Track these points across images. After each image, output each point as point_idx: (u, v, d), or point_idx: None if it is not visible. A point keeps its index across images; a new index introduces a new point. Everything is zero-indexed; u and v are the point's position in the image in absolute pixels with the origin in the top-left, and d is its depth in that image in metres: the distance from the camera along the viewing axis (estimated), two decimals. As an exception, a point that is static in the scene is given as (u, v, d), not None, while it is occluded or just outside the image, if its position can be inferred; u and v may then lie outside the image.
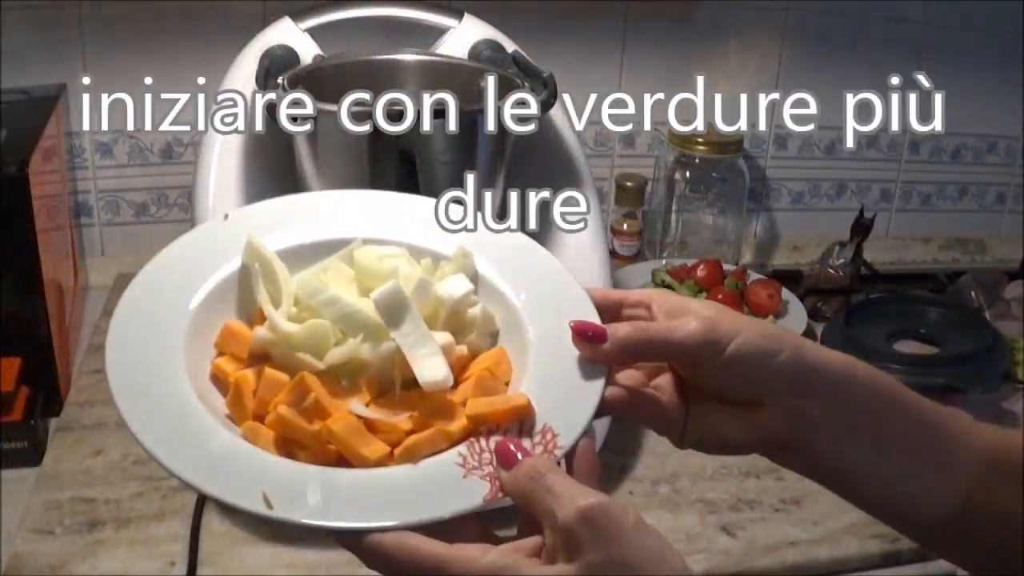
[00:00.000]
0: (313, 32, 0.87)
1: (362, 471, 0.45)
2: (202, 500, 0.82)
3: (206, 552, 0.78)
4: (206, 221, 0.56)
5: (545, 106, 0.79)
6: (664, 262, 1.23)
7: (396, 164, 0.74)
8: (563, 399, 0.47)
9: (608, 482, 0.88)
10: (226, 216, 0.55)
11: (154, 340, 0.48)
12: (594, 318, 0.50)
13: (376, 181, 0.77)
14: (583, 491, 0.42)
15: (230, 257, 0.52)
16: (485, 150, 0.79)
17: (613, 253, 1.26)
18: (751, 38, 1.31)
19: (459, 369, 0.50)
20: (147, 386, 0.45)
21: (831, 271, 1.22)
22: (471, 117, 0.76)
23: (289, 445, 0.46)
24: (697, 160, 1.26)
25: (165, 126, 1.19)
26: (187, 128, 1.20)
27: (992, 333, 1.07)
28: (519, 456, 0.44)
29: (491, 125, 0.77)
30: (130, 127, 1.20)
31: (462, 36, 0.90)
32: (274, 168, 0.83)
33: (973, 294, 1.22)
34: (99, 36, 1.14)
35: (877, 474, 0.50)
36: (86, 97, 1.16)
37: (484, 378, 0.49)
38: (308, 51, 0.85)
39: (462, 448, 0.46)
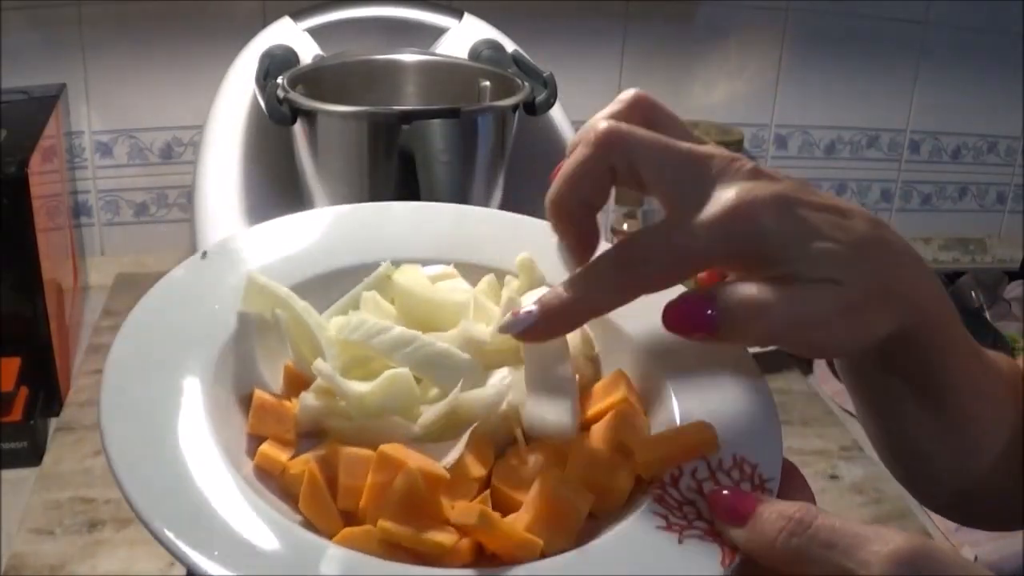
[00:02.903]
0: (313, 32, 0.87)
1: (536, 566, 0.34)
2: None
3: (206, 552, 0.77)
4: (182, 263, 0.43)
5: (545, 106, 0.79)
6: (664, 262, 1.23)
7: (396, 164, 0.74)
8: (731, 416, 0.38)
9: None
10: (204, 254, 0.43)
11: (178, 452, 0.35)
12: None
13: (376, 181, 0.77)
14: (875, 535, 0.32)
15: (222, 305, 0.41)
16: (485, 150, 0.79)
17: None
18: (751, 38, 1.31)
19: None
20: (213, 525, 0.33)
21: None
22: (471, 117, 0.76)
23: (399, 553, 0.34)
24: (697, 160, 1.26)
25: (165, 126, 1.20)
26: (187, 128, 1.20)
27: (992, 333, 1.07)
28: (748, 506, 0.34)
29: (491, 125, 0.77)
30: (130, 127, 1.20)
31: (462, 36, 0.90)
32: (274, 168, 0.83)
33: (973, 294, 1.22)
34: (99, 36, 1.14)
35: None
36: (86, 97, 1.16)
37: (625, 412, 0.38)
38: (308, 51, 0.85)
39: (652, 506, 0.36)
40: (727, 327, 0.37)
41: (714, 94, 1.33)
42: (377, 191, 0.77)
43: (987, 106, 1.41)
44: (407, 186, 0.71)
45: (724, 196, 0.37)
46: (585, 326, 0.42)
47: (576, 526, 0.36)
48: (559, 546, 0.35)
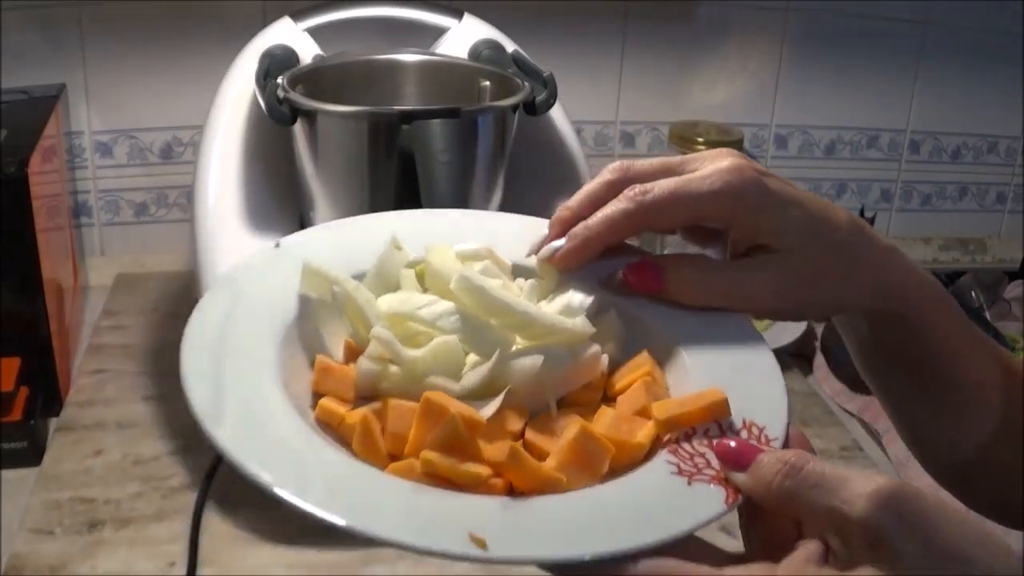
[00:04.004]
0: (313, 32, 0.87)
1: (558, 497, 0.38)
2: (202, 500, 0.82)
3: (206, 552, 0.78)
4: (258, 251, 0.49)
5: (545, 106, 0.79)
6: (664, 262, 1.23)
7: (396, 164, 0.74)
8: (744, 386, 0.43)
9: (608, 482, 0.88)
10: (277, 244, 0.49)
11: (257, 399, 0.40)
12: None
13: (376, 181, 0.77)
14: (860, 476, 0.35)
15: (290, 288, 0.46)
16: (485, 150, 0.79)
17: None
18: (751, 38, 1.31)
19: (606, 385, 0.45)
20: (300, 460, 0.38)
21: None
22: (471, 117, 0.76)
23: (439, 484, 0.39)
24: (697, 160, 1.26)
25: (165, 126, 1.20)
26: (187, 128, 1.20)
27: (992, 333, 1.07)
28: (750, 454, 0.38)
29: (491, 125, 0.77)
30: (130, 127, 1.20)
31: (462, 36, 0.90)
32: (274, 168, 0.83)
33: (973, 294, 1.22)
34: (99, 36, 1.14)
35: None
36: (86, 97, 1.16)
37: (649, 383, 0.43)
38: (308, 51, 0.85)
39: (667, 457, 0.40)
40: (673, 291, 0.47)
41: (714, 94, 1.33)
42: (377, 191, 0.77)
43: (987, 106, 1.41)
44: (407, 186, 0.71)
45: (722, 163, 0.46)
46: (615, 317, 0.47)
47: (598, 473, 0.40)
48: (581, 488, 0.39)
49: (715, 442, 0.40)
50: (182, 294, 1.13)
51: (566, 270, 0.48)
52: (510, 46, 0.89)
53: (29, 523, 0.79)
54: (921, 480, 0.90)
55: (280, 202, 0.83)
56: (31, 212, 0.87)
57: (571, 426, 0.40)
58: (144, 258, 1.22)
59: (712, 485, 0.39)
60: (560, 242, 0.47)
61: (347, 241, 0.50)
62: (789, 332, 1.11)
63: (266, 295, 0.46)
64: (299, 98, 0.75)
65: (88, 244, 1.23)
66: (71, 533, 0.78)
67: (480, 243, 0.49)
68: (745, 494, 0.38)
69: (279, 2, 0.91)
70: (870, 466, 0.93)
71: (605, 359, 0.45)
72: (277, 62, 0.81)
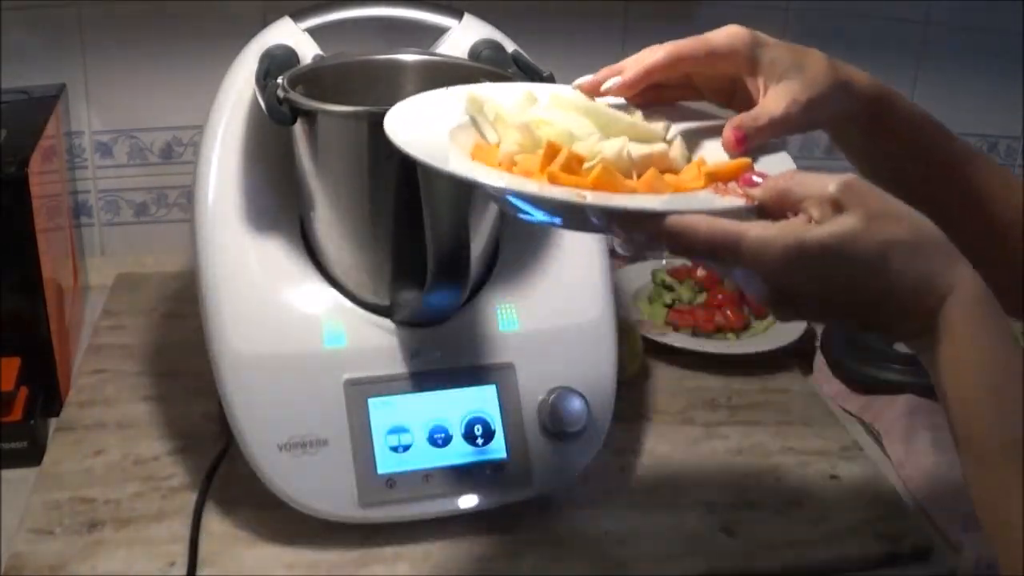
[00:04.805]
0: (313, 32, 0.87)
1: (634, 195, 0.56)
2: (202, 500, 0.82)
3: (206, 552, 0.78)
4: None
5: (545, 106, 0.79)
6: (664, 262, 1.23)
7: (396, 164, 0.74)
8: (764, 164, 0.60)
9: (608, 482, 0.88)
10: (447, 88, 0.68)
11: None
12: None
13: (376, 181, 0.77)
14: (830, 175, 0.52)
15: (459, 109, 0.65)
16: (485, 150, 0.79)
17: (613, 253, 1.26)
18: (751, 38, 1.30)
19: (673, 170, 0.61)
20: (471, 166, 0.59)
21: (831, 271, 1.22)
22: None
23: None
24: (697, 160, 1.26)
25: (165, 126, 1.20)
26: (187, 128, 1.20)
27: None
28: (763, 177, 0.56)
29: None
30: (130, 127, 1.20)
31: (462, 36, 0.90)
32: (274, 168, 0.83)
33: (973, 294, 1.22)
34: (99, 36, 1.14)
35: None
36: (86, 97, 1.16)
37: (700, 162, 0.61)
38: (308, 51, 0.85)
39: (709, 189, 0.57)
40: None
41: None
42: (377, 191, 0.77)
43: (987, 106, 1.41)
44: (407, 186, 0.71)
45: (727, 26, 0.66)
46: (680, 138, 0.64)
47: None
48: None
49: (741, 178, 0.57)
50: (182, 294, 1.13)
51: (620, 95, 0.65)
52: (510, 46, 0.89)
53: (29, 523, 0.79)
54: (918, 475, 0.90)
55: (280, 202, 0.83)
56: (31, 212, 0.87)
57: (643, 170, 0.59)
58: (144, 258, 1.22)
59: (737, 197, 0.55)
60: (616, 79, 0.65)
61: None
62: (789, 332, 1.11)
63: (441, 109, 0.65)
64: (299, 98, 0.75)
65: (88, 244, 1.23)
66: (71, 533, 0.78)
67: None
68: (758, 199, 0.54)
69: (279, 2, 0.91)
70: (870, 466, 0.94)
71: (677, 147, 0.62)
72: (277, 62, 0.81)
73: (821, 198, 0.52)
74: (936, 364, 0.53)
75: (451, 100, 0.67)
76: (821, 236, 0.51)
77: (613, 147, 0.59)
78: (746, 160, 0.60)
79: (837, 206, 0.51)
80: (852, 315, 0.54)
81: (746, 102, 0.63)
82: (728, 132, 0.61)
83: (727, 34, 0.64)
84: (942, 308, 0.52)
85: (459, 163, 0.58)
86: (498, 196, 0.61)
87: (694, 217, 0.52)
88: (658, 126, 0.64)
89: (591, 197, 0.54)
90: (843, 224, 0.51)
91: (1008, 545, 0.51)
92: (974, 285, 0.52)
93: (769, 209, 0.54)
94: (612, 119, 0.63)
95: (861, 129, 0.68)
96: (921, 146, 0.68)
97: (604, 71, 0.66)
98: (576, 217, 0.57)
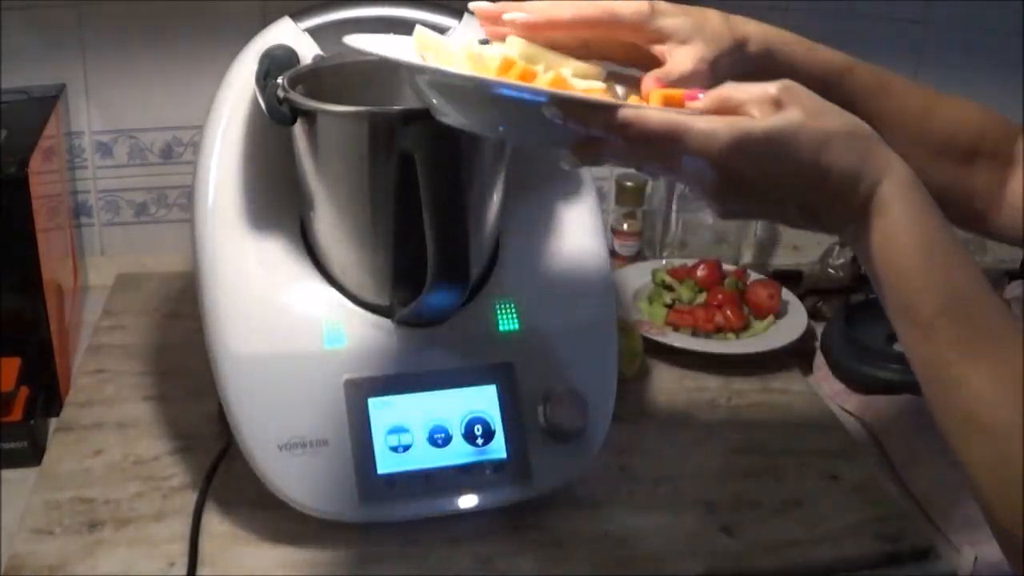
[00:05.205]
0: (313, 32, 0.87)
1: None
2: (202, 500, 0.82)
3: (206, 552, 0.78)
4: None
5: (545, 106, 0.79)
6: (664, 262, 1.23)
7: (396, 164, 0.74)
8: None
9: (608, 482, 0.88)
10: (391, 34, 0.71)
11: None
12: None
13: (376, 181, 0.77)
14: (766, 82, 0.57)
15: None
16: (486, 150, 0.79)
17: (613, 253, 1.26)
18: (751, 38, 1.30)
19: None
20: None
21: (831, 271, 1.22)
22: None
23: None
24: (697, 160, 1.26)
25: (165, 126, 1.20)
26: (187, 128, 1.20)
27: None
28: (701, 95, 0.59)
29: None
30: (130, 127, 1.20)
31: (462, 36, 0.90)
32: (274, 168, 0.83)
33: (973, 294, 1.22)
34: (99, 36, 1.14)
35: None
36: (86, 97, 1.16)
37: (645, 98, 0.64)
38: (308, 51, 0.85)
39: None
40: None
41: (714, 94, 1.33)
42: (377, 191, 0.77)
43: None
44: (407, 186, 0.71)
45: None
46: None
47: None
48: None
49: (684, 95, 0.60)
50: (182, 294, 1.13)
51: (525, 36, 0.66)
52: (510, 46, 0.89)
53: (29, 523, 0.79)
54: (918, 475, 0.90)
55: (280, 202, 0.83)
56: (31, 212, 0.87)
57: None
58: (144, 258, 1.22)
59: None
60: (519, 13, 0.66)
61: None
62: (789, 332, 1.11)
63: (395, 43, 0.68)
64: (299, 98, 0.75)
65: (88, 244, 1.23)
66: (71, 533, 0.78)
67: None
68: (701, 109, 0.57)
69: (279, 2, 0.91)
70: (870, 466, 0.93)
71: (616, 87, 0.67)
72: (277, 62, 0.81)
73: (762, 99, 0.56)
74: (868, 242, 0.57)
75: (401, 44, 0.69)
76: (766, 126, 0.55)
77: (564, 73, 0.62)
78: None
79: (778, 104, 0.56)
80: (791, 200, 0.57)
81: (649, 62, 0.66)
82: (649, 81, 0.64)
83: (632, 9, 0.66)
84: (876, 191, 0.56)
85: (411, 55, 0.63)
86: (465, 89, 0.61)
87: (647, 109, 0.56)
88: (595, 67, 0.68)
89: (552, 90, 0.57)
90: (787, 117, 0.55)
91: (948, 407, 0.56)
92: (904, 170, 0.57)
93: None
94: (555, 60, 0.66)
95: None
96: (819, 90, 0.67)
97: (505, 3, 0.67)
98: (531, 119, 0.58)
